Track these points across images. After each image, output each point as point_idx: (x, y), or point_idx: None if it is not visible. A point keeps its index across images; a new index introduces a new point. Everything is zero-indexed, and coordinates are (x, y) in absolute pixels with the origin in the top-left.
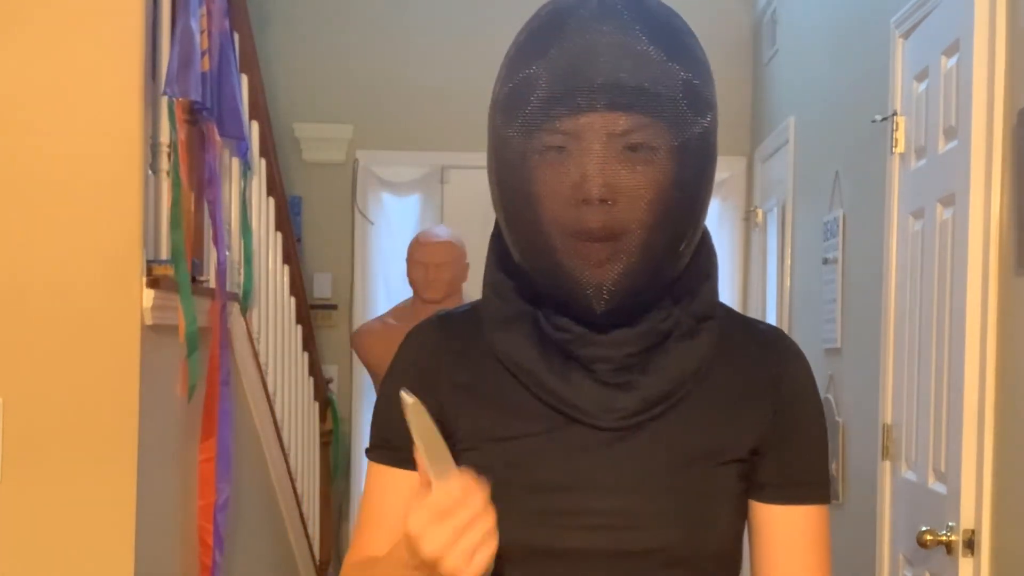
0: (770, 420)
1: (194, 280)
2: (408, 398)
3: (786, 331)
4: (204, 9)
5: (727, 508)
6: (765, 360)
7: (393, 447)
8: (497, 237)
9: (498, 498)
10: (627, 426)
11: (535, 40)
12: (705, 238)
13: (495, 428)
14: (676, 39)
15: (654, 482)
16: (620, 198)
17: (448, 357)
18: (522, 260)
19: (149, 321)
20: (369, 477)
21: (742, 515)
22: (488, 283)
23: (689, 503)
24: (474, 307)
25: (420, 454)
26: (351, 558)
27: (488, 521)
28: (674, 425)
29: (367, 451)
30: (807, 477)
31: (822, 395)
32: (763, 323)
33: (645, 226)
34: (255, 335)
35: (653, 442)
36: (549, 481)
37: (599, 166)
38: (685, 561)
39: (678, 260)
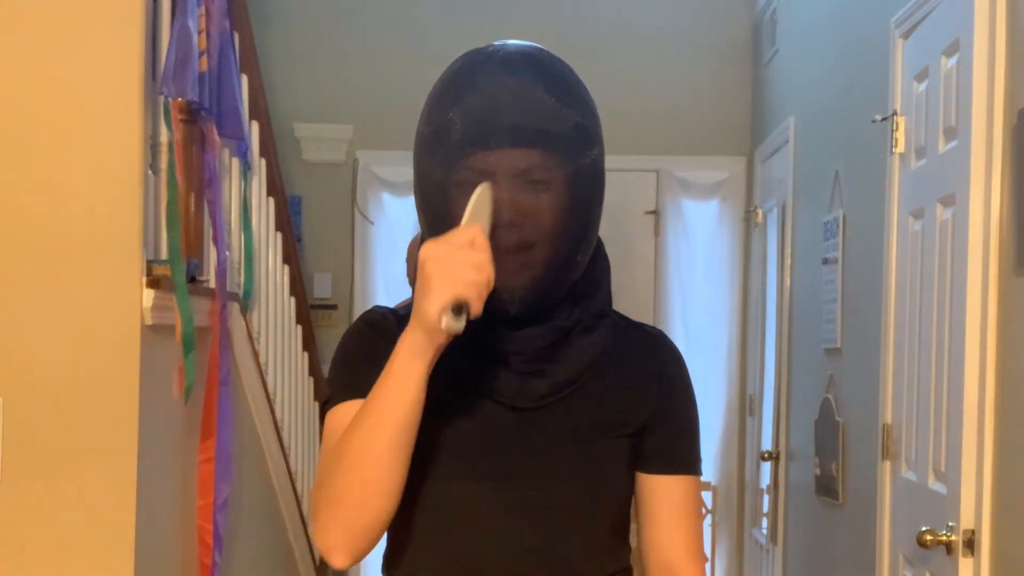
0: (653, 404)
1: (194, 280)
2: (485, 189)
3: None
4: (203, 9)
5: (619, 474)
6: (650, 355)
7: (361, 385)
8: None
9: (427, 465)
10: (539, 406)
11: (450, 90)
12: (600, 249)
13: (427, 410)
14: (566, 87)
15: (558, 451)
16: (526, 221)
17: (387, 344)
18: None
19: (149, 321)
20: (332, 421)
21: (631, 485)
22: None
23: (588, 468)
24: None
25: (466, 213)
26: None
27: (480, 267)
28: (578, 405)
29: (329, 400)
30: (682, 452)
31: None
32: (649, 326)
33: (548, 242)
34: (255, 335)
35: (559, 419)
36: (470, 451)
37: (508, 196)
38: (584, 516)
39: (577, 268)
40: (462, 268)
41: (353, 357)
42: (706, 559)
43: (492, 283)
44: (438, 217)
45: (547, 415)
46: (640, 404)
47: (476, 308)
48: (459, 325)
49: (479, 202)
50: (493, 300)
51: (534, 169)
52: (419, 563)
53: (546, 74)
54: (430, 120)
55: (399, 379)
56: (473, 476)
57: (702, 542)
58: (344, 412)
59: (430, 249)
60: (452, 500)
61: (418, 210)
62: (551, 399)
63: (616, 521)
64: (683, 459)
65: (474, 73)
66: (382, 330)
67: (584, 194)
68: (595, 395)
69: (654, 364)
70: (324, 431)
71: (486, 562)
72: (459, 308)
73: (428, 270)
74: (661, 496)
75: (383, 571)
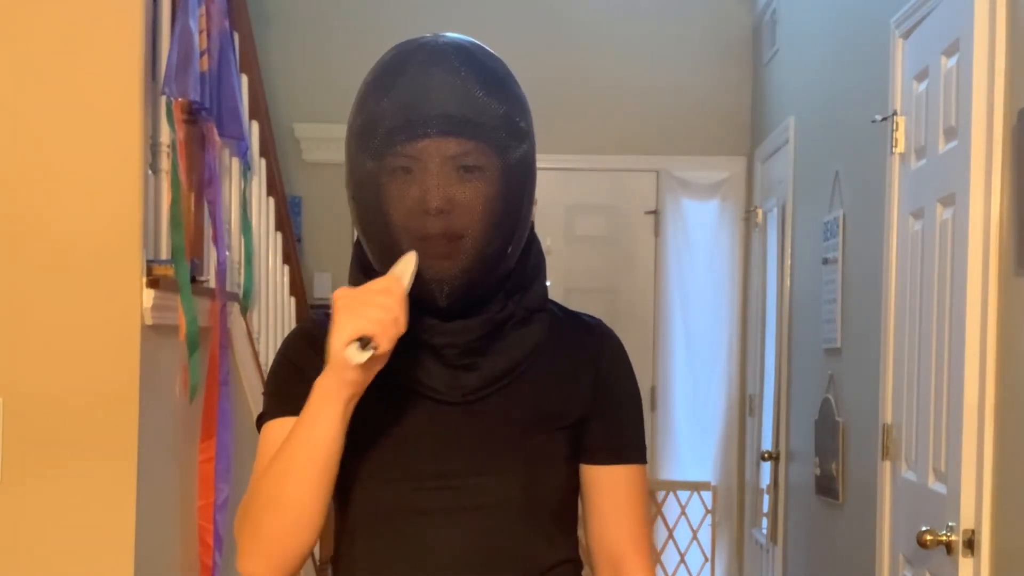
0: (591, 394)
1: (194, 280)
2: (412, 255)
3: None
4: (203, 9)
5: (558, 468)
6: (586, 345)
7: (291, 400)
8: (357, 245)
9: (365, 466)
10: (471, 400)
11: (381, 80)
12: (535, 243)
13: (361, 409)
14: (496, 80)
15: (495, 445)
16: (455, 208)
17: (318, 353)
18: (378, 264)
19: (149, 321)
20: (264, 437)
21: (572, 476)
22: (352, 286)
23: (525, 463)
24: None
25: (391, 270)
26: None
27: (387, 308)
28: (512, 399)
29: (262, 416)
30: (625, 441)
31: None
32: (586, 315)
33: (476, 231)
34: (255, 335)
35: (494, 413)
36: (407, 449)
37: (436, 183)
38: (525, 514)
39: (507, 259)
40: (369, 307)
41: (286, 370)
42: (655, 553)
43: (403, 327)
44: (369, 207)
45: (480, 409)
46: (576, 396)
47: (383, 345)
48: (361, 357)
49: (405, 263)
50: (423, 291)
51: (462, 156)
52: (359, 563)
53: (476, 66)
54: (361, 110)
55: (312, 424)
56: (408, 474)
57: (648, 532)
58: (275, 429)
59: (343, 291)
60: (387, 499)
61: (349, 201)
62: (484, 393)
63: (558, 514)
64: (625, 449)
65: (404, 63)
66: (316, 339)
67: (513, 186)
68: (530, 388)
69: (590, 354)
70: (258, 448)
71: (424, 559)
72: (364, 343)
73: (337, 307)
74: (604, 487)
75: (331, 570)
